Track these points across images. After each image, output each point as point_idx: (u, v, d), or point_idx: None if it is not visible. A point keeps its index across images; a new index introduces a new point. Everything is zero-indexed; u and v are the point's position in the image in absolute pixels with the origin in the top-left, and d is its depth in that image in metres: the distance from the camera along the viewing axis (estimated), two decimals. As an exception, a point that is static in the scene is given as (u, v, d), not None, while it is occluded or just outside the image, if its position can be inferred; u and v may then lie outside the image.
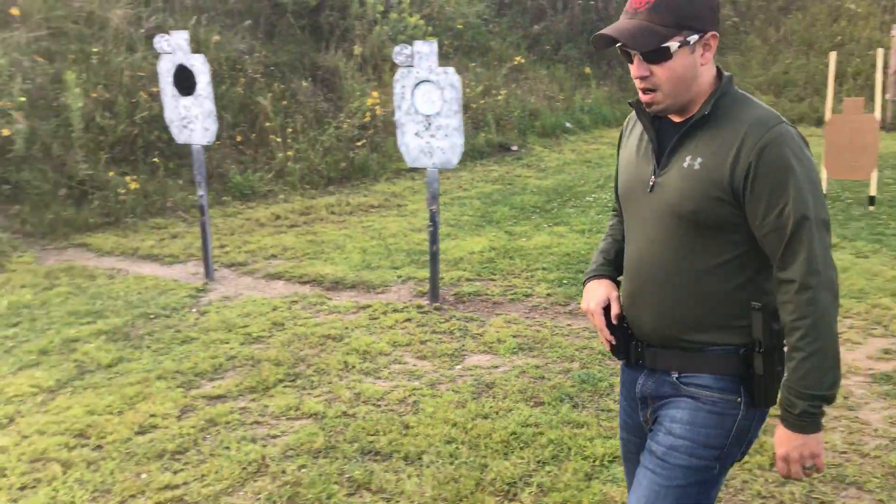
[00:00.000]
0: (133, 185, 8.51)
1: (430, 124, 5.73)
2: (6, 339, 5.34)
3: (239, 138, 10.30)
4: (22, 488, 3.50)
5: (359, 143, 10.90)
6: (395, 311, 5.78)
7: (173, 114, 6.53)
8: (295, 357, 4.94)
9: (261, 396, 4.42)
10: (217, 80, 10.06)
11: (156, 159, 9.06)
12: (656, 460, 2.00)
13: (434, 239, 5.94)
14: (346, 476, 3.55)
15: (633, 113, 2.11)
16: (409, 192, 10.06)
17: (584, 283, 2.21)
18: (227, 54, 10.95)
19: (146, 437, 3.94)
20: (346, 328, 5.45)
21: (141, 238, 7.87)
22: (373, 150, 11.26)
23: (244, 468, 3.64)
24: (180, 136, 6.59)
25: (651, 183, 2.00)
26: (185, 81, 6.46)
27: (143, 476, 3.59)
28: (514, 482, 3.47)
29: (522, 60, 15.17)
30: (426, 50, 5.63)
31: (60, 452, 3.79)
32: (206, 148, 7.35)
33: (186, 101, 6.46)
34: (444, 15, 15.11)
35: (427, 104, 5.69)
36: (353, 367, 4.80)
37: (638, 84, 1.94)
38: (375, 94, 11.30)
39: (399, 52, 5.66)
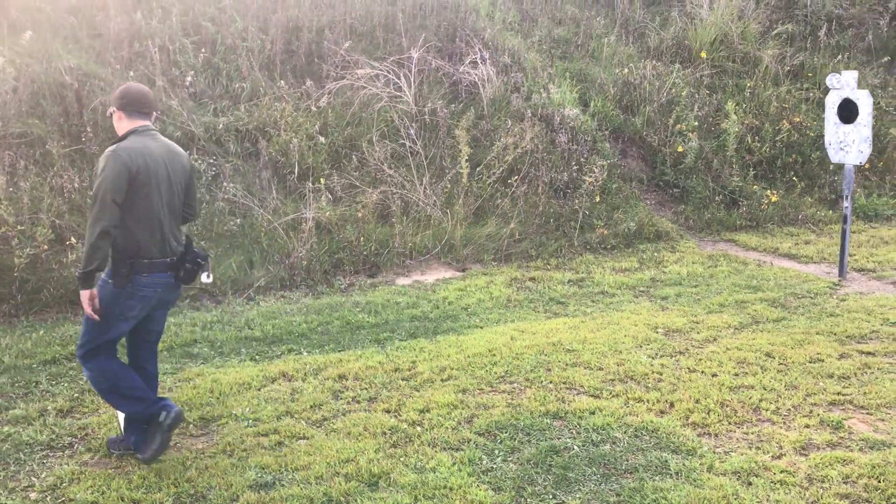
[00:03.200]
0: (773, 198, 10.17)
1: None
2: (693, 293, 7.42)
3: (867, 165, 11.23)
4: (735, 374, 5.32)
5: None
6: None
7: (833, 138, 7.95)
8: (932, 340, 5.96)
9: (904, 359, 5.60)
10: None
11: (794, 178, 10.58)
12: None
13: None
14: None
15: None
16: None
17: None
18: (868, 89, 11.92)
19: (816, 364, 5.47)
20: (981, 329, 6.22)
21: (779, 241, 9.48)
22: None
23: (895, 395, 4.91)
24: (835, 157, 7.98)
25: None
26: (846, 112, 7.83)
27: (820, 384, 5.12)
28: None
29: None
30: None
31: (757, 360, 5.54)
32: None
33: (846, 128, 7.82)
34: None
35: None
36: None
37: None
38: None
39: None
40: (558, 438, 4.40)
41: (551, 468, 4.06)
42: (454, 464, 4.09)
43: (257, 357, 5.86)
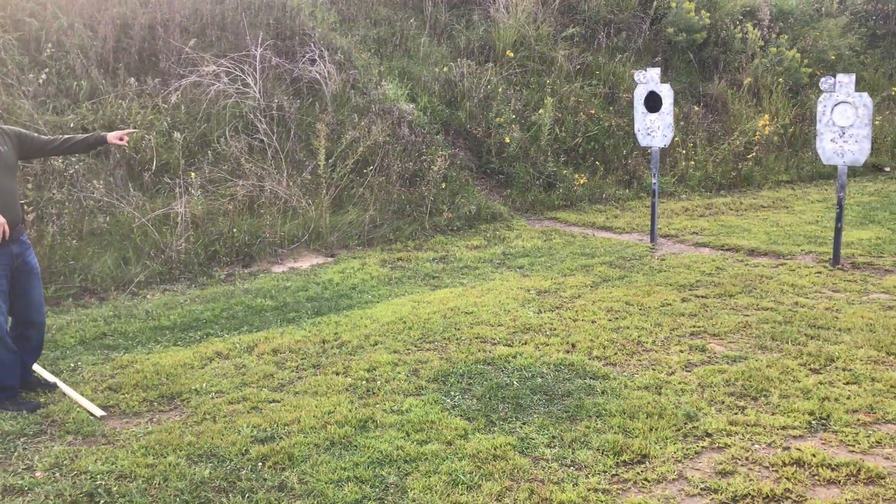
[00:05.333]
0: (582, 181, 11.59)
1: (843, 133, 7.90)
2: (543, 262, 8.48)
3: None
4: (610, 320, 6.37)
5: (749, 157, 13.12)
6: (807, 267, 8.01)
7: (641, 125, 9.36)
8: (742, 283, 7.41)
9: (728, 298, 6.95)
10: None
11: (596, 163, 12.10)
12: (35, 272, 5.02)
13: (839, 217, 8.06)
14: (803, 333, 5.94)
15: None
16: (792, 198, 12.08)
17: None
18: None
19: (668, 307, 6.67)
20: (772, 274, 7.80)
21: (593, 216, 10.87)
22: (757, 164, 13.41)
23: (737, 323, 6.18)
24: (644, 141, 9.41)
25: None
26: (652, 103, 9.27)
27: (678, 321, 6.30)
28: (917, 343, 5.60)
29: (897, 90, 16.22)
30: (846, 80, 7.82)
31: (622, 308, 6.64)
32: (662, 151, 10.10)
33: (652, 116, 9.26)
34: (816, 48, 16.67)
35: (843, 118, 7.87)
36: (788, 291, 7.15)
37: None
38: (767, 116, 13.43)
39: (824, 81, 7.92)
40: (497, 378, 5.15)
41: (504, 399, 4.81)
42: (424, 404, 4.71)
43: (179, 342, 6.05)
